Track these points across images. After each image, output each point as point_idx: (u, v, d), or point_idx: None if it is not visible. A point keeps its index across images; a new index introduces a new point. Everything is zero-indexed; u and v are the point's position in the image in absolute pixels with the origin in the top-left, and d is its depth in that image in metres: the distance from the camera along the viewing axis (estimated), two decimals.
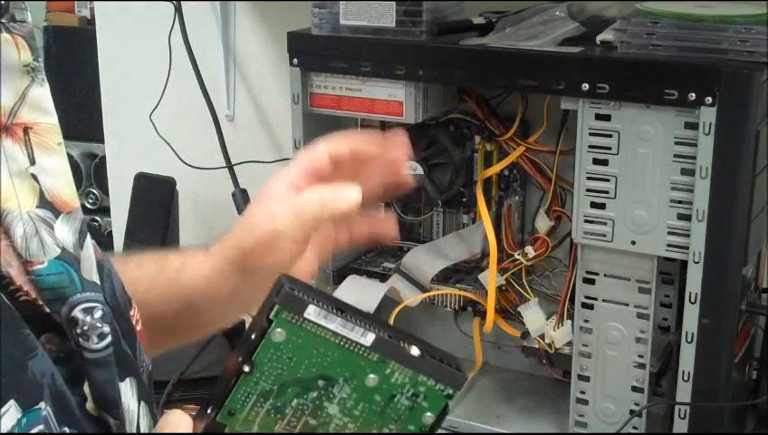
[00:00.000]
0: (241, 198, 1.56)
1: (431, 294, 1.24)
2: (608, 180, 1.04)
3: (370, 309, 1.22)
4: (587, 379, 1.12)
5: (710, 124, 0.96)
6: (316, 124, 1.24)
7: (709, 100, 0.96)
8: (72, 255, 0.51)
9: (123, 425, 0.52)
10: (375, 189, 0.73)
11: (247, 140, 1.65)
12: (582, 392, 1.13)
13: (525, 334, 1.21)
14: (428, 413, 0.53)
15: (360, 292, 1.26)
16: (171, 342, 0.76)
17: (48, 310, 0.49)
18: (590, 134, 1.04)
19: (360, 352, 0.52)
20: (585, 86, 1.02)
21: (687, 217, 1.00)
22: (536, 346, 1.20)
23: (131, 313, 0.55)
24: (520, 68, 1.08)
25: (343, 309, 0.52)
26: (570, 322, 1.14)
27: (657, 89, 0.99)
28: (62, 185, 0.52)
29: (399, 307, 1.23)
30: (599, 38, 1.07)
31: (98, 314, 0.51)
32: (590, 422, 1.13)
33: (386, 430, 0.53)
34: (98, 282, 0.52)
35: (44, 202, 0.50)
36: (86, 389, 0.50)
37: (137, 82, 1.74)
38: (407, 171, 0.74)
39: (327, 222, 0.71)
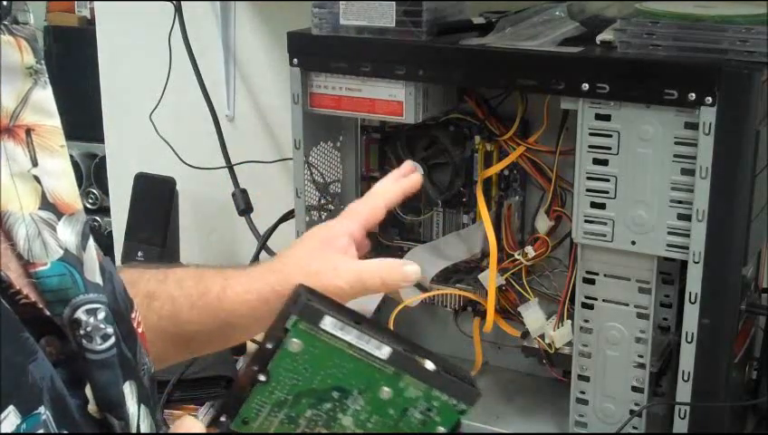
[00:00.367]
0: (241, 198, 1.56)
1: (431, 294, 1.24)
2: (608, 180, 1.04)
3: (370, 310, 1.22)
4: (587, 379, 1.12)
5: (710, 124, 0.96)
6: (316, 124, 1.24)
7: (709, 100, 0.96)
8: (75, 256, 0.51)
9: (128, 426, 0.52)
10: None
11: (247, 140, 1.65)
12: (582, 392, 1.13)
13: (525, 334, 1.21)
14: (441, 428, 0.53)
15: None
16: (201, 351, 0.81)
17: (48, 313, 0.49)
18: (590, 134, 1.04)
19: (376, 365, 0.52)
20: (585, 86, 1.02)
21: (687, 217, 1.00)
22: (536, 346, 1.20)
23: (132, 315, 0.55)
24: (520, 68, 1.08)
25: (360, 321, 0.52)
26: (570, 322, 1.14)
27: (657, 89, 0.99)
28: (65, 187, 0.52)
29: (399, 307, 1.23)
30: (599, 38, 1.07)
31: (101, 315, 0.50)
32: (590, 422, 1.13)
33: None
34: (101, 283, 0.52)
35: (47, 204, 0.50)
36: (88, 391, 0.50)
37: (137, 82, 1.74)
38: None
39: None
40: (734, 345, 1.05)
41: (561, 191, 1.19)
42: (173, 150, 1.63)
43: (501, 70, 1.10)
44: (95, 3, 1.90)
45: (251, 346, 1.20)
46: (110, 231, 1.91)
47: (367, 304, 1.21)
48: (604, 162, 1.04)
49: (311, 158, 1.25)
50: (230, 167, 1.57)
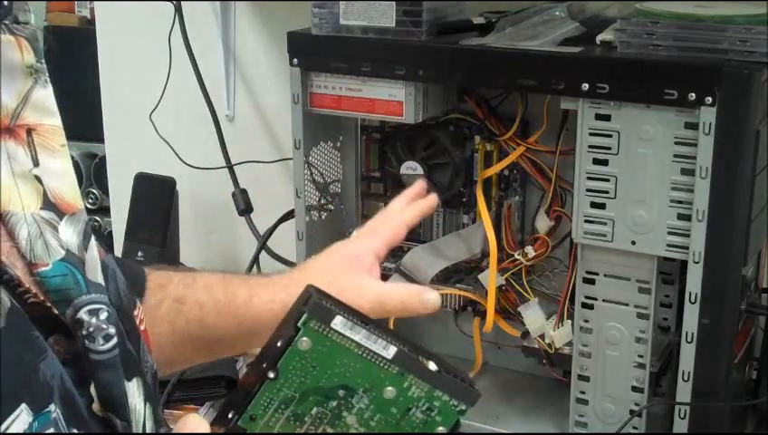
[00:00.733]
0: (241, 198, 1.56)
1: None
2: (608, 180, 1.04)
3: None
4: (587, 379, 1.12)
5: (710, 124, 0.96)
6: (316, 124, 1.24)
7: (709, 100, 0.96)
8: (77, 256, 0.51)
9: (130, 426, 0.52)
10: None
11: (247, 140, 1.65)
12: (582, 392, 1.13)
13: (525, 334, 1.21)
14: (441, 428, 0.53)
15: None
16: (224, 354, 0.85)
17: (56, 311, 0.49)
18: (590, 134, 1.04)
19: (381, 365, 0.52)
20: (585, 86, 1.02)
21: (687, 217, 1.00)
22: (536, 346, 1.20)
23: (135, 312, 0.55)
24: (520, 68, 1.08)
25: (367, 322, 0.53)
26: (570, 322, 1.14)
27: (657, 89, 0.99)
28: (66, 186, 0.52)
29: None
30: (599, 38, 1.07)
31: (103, 315, 0.50)
32: (590, 422, 1.13)
33: None
34: (102, 283, 0.52)
35: (48, 204, 0.50)
36: (92, 390, 0.50)
37: (137, 82, 1.74)
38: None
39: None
40: (734, 345, 1.05)
41: (561, 191, 1.19)
42: (173, 150, 1.63)
43: (501, 70, 1.10)
44: (95, 3, 1.90)
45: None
46: (110, 231, 1.91)
47: None
48: (604, 162, 1.04)
49: (311, 158, 1.25)
50: (230, 167, 1.57)
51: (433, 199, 0.88)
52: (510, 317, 1.25)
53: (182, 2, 1.57)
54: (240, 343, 0.79)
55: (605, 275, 1.09)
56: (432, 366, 0.53)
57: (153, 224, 1.64)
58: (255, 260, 1.52)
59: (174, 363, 0.79)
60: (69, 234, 0.51)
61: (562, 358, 1.17)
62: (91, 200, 2.49)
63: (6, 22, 0.49)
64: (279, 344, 0.52)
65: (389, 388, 0.53)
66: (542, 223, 1.20)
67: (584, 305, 1.10)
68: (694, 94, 0.97)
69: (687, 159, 0.99)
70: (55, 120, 0.52)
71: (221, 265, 1.76)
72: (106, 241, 1.93)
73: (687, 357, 1.03)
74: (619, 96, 1.01)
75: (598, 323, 1.10)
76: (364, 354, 0.52)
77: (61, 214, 0.51)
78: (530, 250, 1.20)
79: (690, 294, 1.01)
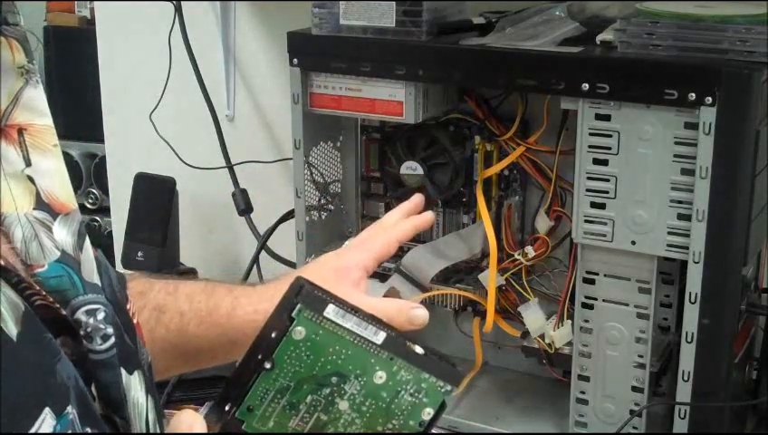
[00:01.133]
0: (241, 198, 1.56)
1: (431, 294, 1.24)
2: (608, 180, 1.04)
3: None
4: (587, 379, 1.12)
5: (710, 124, 0.96)
6: (316, 124, 1.24)
7: (709, 100, 0.96)
8: (72, 257, 0.50)
9: (129, 424, 0.52)
10: None
11: (247, 140, 1.65)
12: (582, 392, 1.13)
13: (525, 334, 1.21)
14: (428, 409, 0.55)
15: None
16: (206, 365, 0.83)
17: (64, 312, 0.48)
18: (590, 134, 1.04)
19: (372, 350, 0.54)
20: (585, 86, 1.02)
21: (687, 217, 1.00)
22: (536, 346, 1.20)
23: (128, 306, 0.55)
24: (520, 68, 1.08)
25: (356, 310, 0.54)
26: (570, 322, 1.14)
27: (657, 89, 0.99)
28: (59, 186, 0.51)
29: None
30: (599, 38, 1.07)
31: (100, 315, 0.50)
32: (590, 422, 1.13)
33: (389, 425, 0.55)
34: (99, 283, 0.52)
35: (41, 204, 0.50)
36: (93, 389, 0.50)
37: (137, 82, 1.74)
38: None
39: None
40: (734, 345, 1.05)
41: (561, 191, 1.19)
42: (173, 150, 1.63)
43: (501, 70, 1.10)
44: (95, 3, 1.90)
45: None
46: (110, 231, 1.91)
47: None
48: (604, 162, 1.04)
49: (311, 158, 1.25)
50: (230, 167, 1.57)
51: (430, 217, 0.88)
52: (510, 317, 1.25)
53: (182, 2, 1.57)
54: (221, 354, 0.79)
55: (605, 275, 1.09)
56: (419, 350, 0.55)
57: (153, 224, 1.64)
58: (255, 260, 1.52)
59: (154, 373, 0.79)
60: (63, 234, 0.50)
61: (562, 358, 1.17)
62: (91, 200, 2.49)
63: None
64: (273, 335, 0.53)
65: (380, 372, 0.54)
66: (542, 223, 1.20)
67: (584, 305, 1.10)
68: (694, 94, 0.97)
69: (687, 159, 0.99)
70: (46, 120, 0.52)
71: (221, 265, 1.76)
72: (106, 241, 1.93)
73: (687, 357, 1.03)
74: (619, 96, 1.01)
75: (598, 323, 1.10)
76: (356, 341, 0.54)
77: (54, 214, 0.50)
78: (530, 250, 1.20)
79: (690, 294, 1.01)
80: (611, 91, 1.01)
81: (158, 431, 0.54)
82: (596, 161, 1.05)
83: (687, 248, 1.01)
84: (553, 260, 1.24)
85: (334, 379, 0.54)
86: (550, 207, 1.19)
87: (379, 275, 1.29)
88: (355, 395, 0.54)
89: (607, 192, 1.05)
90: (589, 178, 1.05)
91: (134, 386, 0.52)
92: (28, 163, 0.50)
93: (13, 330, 0.43)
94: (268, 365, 0.53)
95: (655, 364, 1.11)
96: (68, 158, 1.78)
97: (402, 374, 0.54)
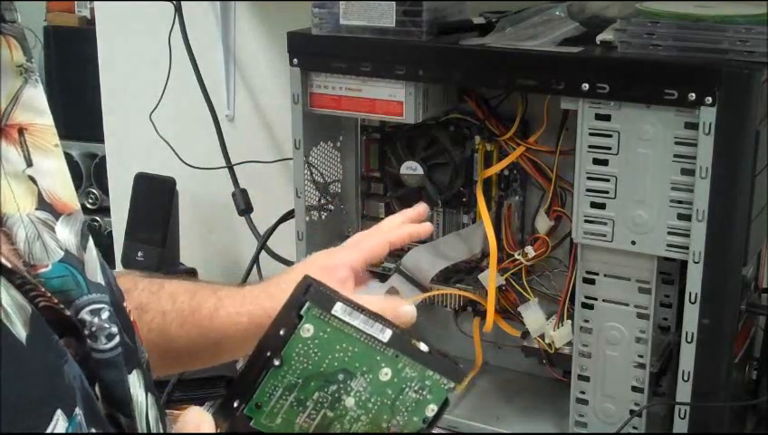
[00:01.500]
0: (241, 198, 1.56)
1: (431, 294, 1.24)
2: (608, 180, 1.04)
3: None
4: (587, 379, 1.12)
5: (710, 124, 0.96)
6: (316, 124, 1.24)
7: (709, 100, 0.96)
8: (76, 257, 0.50)
9: (134, 423, 0.52)
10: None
11: (247, 140, 1.65)
12: (582, 392, 1.13)
13: (525, 334, 1.21)
14: (431, 405, 0.56)
15: (360, 292, 1.26)
16: (190, 367, 0.82)
17: (68, 313, 0.48)
18: (590, 134, 1.04)
19: (378, 348, 0.55)
20: (585, 86, 1.02)
21: (687, 217, 1.00)
22: (536, 346, 1.20)
23: (124, 304, 0.55)
24: (520, 68, 1.08)
25: (362, 308, 0.55)
26: (570, 322, 1.14)
27: (657, 89, 0.99)
28: (61, 186, 0.51)
29: None
30: (599, 38, 1.07)
31: (105, 314, 0.50)
32: (590, 422, 1.13)
33: (394, 421, 0.55)
34: (102, 283, 0.52)
35: (44, 204, 0.50)
36: (96, 389, 0.50)
37: (137, 82, 1.74)
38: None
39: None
40: (734, 345, 1.05)
41: (561, 191, 1.19)
42: (173, 150, 1.63)
43: (501, 70, 1.10)
44: (95, 3, 1.90)
45: None
46: (110, 231, 1.91)
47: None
48: (604, 162, 1.04)
49: (311, 158, 1.25)
50: (230, 167, 1.57)
51: (428, 227, 0.88)
52: (510, 317, 1.25)
53: (182, 2, 1.57)
54: (204, 356, 0.78)
55: (605, 275, 1.09)
56: (423, 347, 0.55)
57: (153, 224, 1.64)
58: (255, 260, 1.52)
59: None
60: (66, 234, 0.50)
61: (562, 358, 1.17)
62: (91, 200, 2.49)
63: None
64: (282, 333, 0.54)
65: (385, 369, 0.55)
66: (542, 223, 1.20)
67: (584, 305, 1.10)
68: (694, 94, 0.97)
69: (687, 159, 0.99)
70: (47, 120, 0.52)
71: (221, 265, 1.76)
72: (106, 241, 1.93)
73: (687, 357, 1.03)
74: (619, 96, 1.01)
75: (598, 324, 1.10)
76: (363, 339, 0.54)
77: (57, 214, 0.50)
78: (530, 250, 1.20)
79: (690, 294, 1.01)
80: (611, 91, 1.01)
81: (161, 430, 0.54)
82: (596, 161, 1.05)
83: (687, 248, 1.01)
84: (553, 260, 1.24)
85: (341, 376, 0.54)
86: (550, 207, 1.19)
87: (379, 275, 1.29)
88: (361, 392, 0.55)
89: (607, 192, 1.05)
90: (589, 178, 1.05)
91: (134, 384, 0.52)
92: (29, 163, 0.50)
93: (22, 333, 0.43)
94: (277, 362, 0.53)
95: (655, 364, 1.11)
96: (68, 158, 1.77)
97: (407, 371, 0.55)
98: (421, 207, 0.90)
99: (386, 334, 0.55)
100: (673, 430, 1.06)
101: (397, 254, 1.32)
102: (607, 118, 1.03)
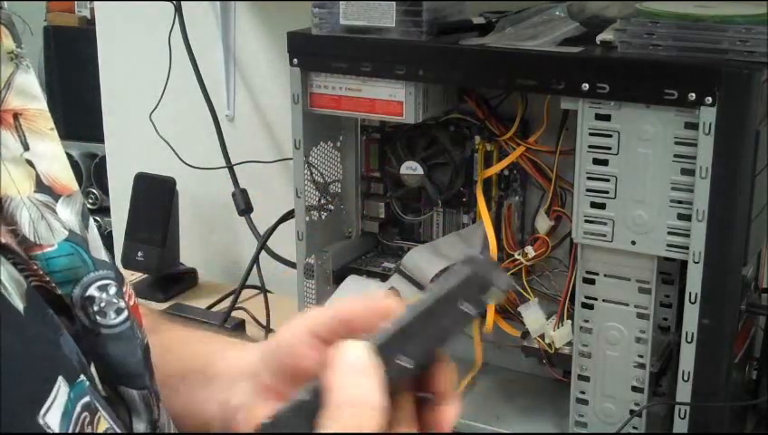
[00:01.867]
0: (241, 198, 1.56)
1: None
2: (608, 180, 1.04)
3: None
4: (587, 379, 1.12)
5: (710, 124, 0.96)
6: (316, 124, 1.24)
7: (709, 100, 0.96)
8: (80, 236, 0.51)
9: (150, 394, 0.52)
10: None
11: (247, 140, 1.65)
12: (582, 392, 1.13)
13: (525, 334, 1.21)
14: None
15: (360, 292, 1.26)
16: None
17: (60, 292, 0.49)
18: (590, 134, 1.04)
19: None
20: (585, 86, 1.02)
21: (687, 217, 1.00)
22: (536, 346, 1.20)
23: (124, 289, 0.55)
24: (520, 68, 1.08)
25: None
26: (570, 322, 1.14)
27: (657, 89, 0.99)
28: (59, 169, 0.52)
29: None
30: (599, 38, 1.07)
31: (112, 290, 0.51)
32: (590, 422, 1.13)
33: None
34: (107, 260, 0.52)
35: (42, 187, 0.50)
36: (93, 370, 0.50)
37: (137, 82, 1.74)
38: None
39: None
40: (734, 345, 1.05)
41: (561, 191, 1.19)
42: (173, 150, 1.63)
43: (501, 70, 1.10)
44: (95, 3, 1.90)
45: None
46: (110, 231, 1.92)
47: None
48: (604, 162, 1.04)
49: (311, 158, 1.25)
50: (230, 167, 1.57)
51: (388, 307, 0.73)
52: (510, 317, 1.25)
53: (182, 2, 1.57)
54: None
55: (605, 275, 1.09)
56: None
57: (153, 224, 1.65)
58: (255, 260, 1.52)
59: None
60: (67, 214, 0.51)
61: (562, 358, 1.17)
62: (91, 200, 2.49)
63: None
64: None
65: None
66: (542, 223, 1.20)
67: (584, 305, 1.10)
68: (694, 94, 0.97)
69: (687, 159, 0.99)
70: (41, 104, 0.52)
71: (221, 265, 1.76)
72: (106, 241, 1.93)
73: (687, 357, 1.03)
74: (619, 96, 1.01)
75: (598, 324, 1.10)
76: None
77: (56, 196, 0.51)
78: (530, 250, 1.20)
79: (690, 294, 1.01)
80: (611, 91, 1.01)
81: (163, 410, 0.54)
82: (596, 161, 1.05)
83: (687, 248, 1.01)
84: (553, 260, 1.24)
85: None
86: (550, 207, 1.19)
87: (380, 274, 1.29)
88: None
89: (607, 192, 1.05)
90: (589, 178, 1.05)
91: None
92: (26, 147, 0.50)
93: (20, 304, 0.44)
94: None
95: (655, 364, 1.11)
96: (68, 158, 1.77)
97: None
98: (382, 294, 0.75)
99: None
100: (673, 430, 1.06)
101: (397, 254, 1.33)
102: (607, 118, 1.03)
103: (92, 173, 2.47)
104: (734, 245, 0.99)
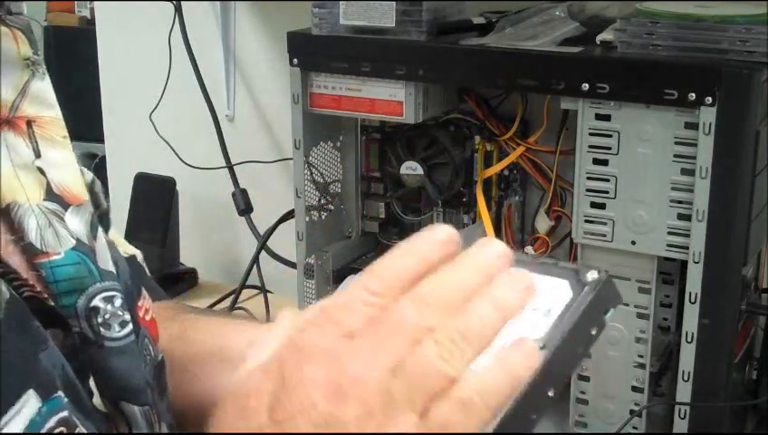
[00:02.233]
0: (241, 198, 1.56)
1: None
2: (608, 180, 1.04)
3: None
4: (587, 379, 1.12)
5: (710, 124, 0.96)
6: (316, 124, 1.24)
7: (709, 100, 0.96)
8: (87, 245, 0.50)
9: (151, 410, 0.51)
10: None
11: (247, 140, 1.65)
12: (582, 392, 1.13)
13: None
14: None
15: None
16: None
17: (53, 304, 0.48)
18: (590, 134, 1.04)
19: None
20: (585, 86, 1.02)
21: (687, 217, 1.00)
22: None
23: (140, 303, 0.54)
24: (520, 68, 1.08)
25: None
26: None
27: (657, 89, 0.99)
28: (70, 178, 0.51)
29: None
30: (599, 38, 1.07)
31: (117, 302, 0.50)
32: (590, 422, 1.13)
33: None
34: (114, 271, 0.52)
35: (52, 195, 0.50)
36: (92, 384, 0.49)
37: (137, 82, 1.74)
38: None
39: None
40: (734, 345, 1.05)
41: (561, 191, 1.19)
42: (173, 150, 1.63)
43: (501, 70, 1.10)
44: (95, 3, 1.90)
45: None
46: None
47: None
48: (604, 162, 1.04)
49: (311, 158, 1.25)
50: (230, 167, 1.57)
51: None
52: None
53: (182, 2, 1.57)
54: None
55: None
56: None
57: (153, 224, 1.64)
58: (255, 260, 1.52)
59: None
60: (76, 223, 0.50)
61: None
62: None
63: (0, 13, 0.49)
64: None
65: None
66: (542, 223, 1.20)
67: None
68: (694, 94, 0.97)
69: (687, 159, 0.99)
70: (55, 112, 0.52)
71: (221, 265, 1.76)
72: None
73: (687, 357, 1.03)
74: (619, 96, 1.01)
75: None
76: None
77: (65, 205, 0.50)
78: (530, 250, 1.20)
79: (690, 294, 1.01)
80: (611, 91, 1.01)
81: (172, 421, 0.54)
82: (596, 161, 1.05)
83: (687, 248, 1.01)
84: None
85: None
86: (550, 207, 1.19)
87: None
88: None
89: (607, 192, 1.05)
90: (589, 178, 1.05)
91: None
92: (38, 154, 0.50)
93: None
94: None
95: (655, 364, 1.10)
96: None
97: None
98: None
99: None
100: (673, 430, 1.06)
101: None
102: (607, 118, 1.03)
103: (92, 173, 2.47)
104: (734, 245, 0.99)
